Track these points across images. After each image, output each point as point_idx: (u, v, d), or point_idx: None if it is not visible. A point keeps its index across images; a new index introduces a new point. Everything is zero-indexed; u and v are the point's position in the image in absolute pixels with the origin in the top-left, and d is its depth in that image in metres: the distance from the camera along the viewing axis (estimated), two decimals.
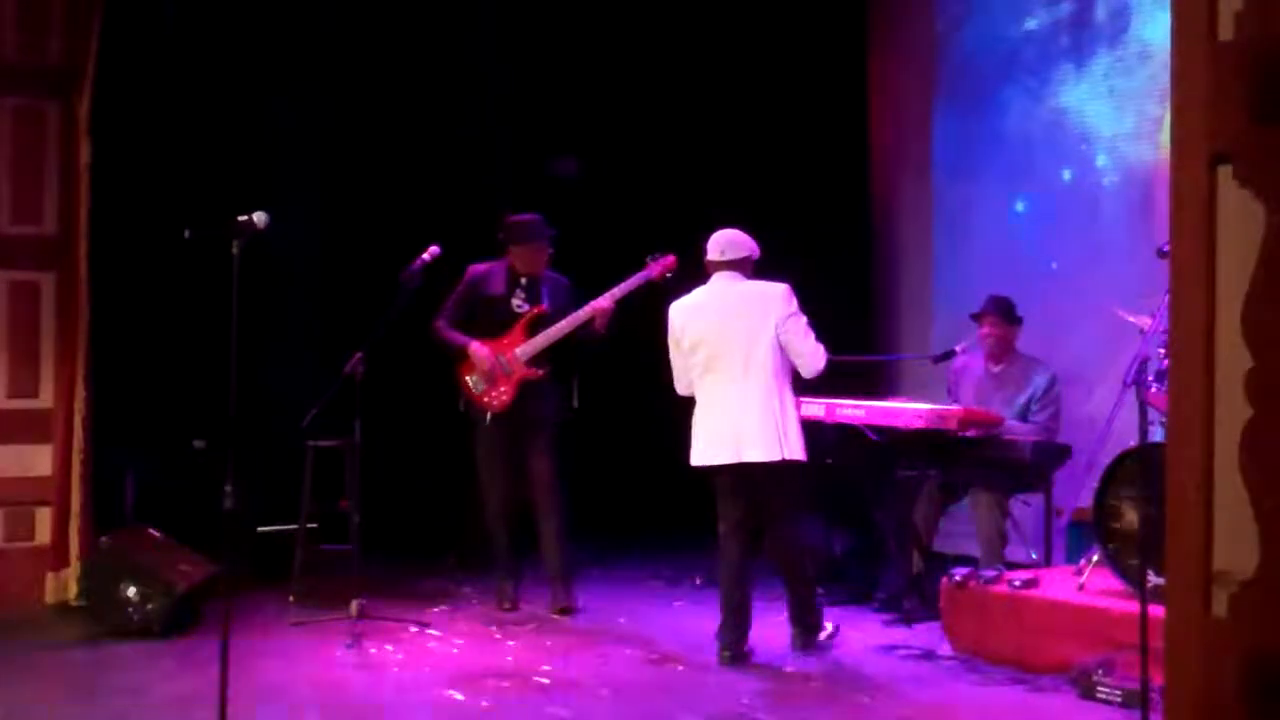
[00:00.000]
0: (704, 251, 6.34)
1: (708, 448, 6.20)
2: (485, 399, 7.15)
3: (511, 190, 9.32)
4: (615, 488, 8.95)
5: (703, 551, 8.70)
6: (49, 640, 6.48)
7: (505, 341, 7.13)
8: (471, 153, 9.46)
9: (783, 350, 6.13)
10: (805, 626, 6.41)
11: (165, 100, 8.06)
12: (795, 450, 6.10)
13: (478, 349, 7.12)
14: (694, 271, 7.00)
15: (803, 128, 9.24)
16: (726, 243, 6.31)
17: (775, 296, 6.17)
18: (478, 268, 7.31)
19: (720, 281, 6.29)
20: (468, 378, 7.18)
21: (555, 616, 7.06)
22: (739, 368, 6.13)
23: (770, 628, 6.84)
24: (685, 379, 6.34)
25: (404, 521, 8.47)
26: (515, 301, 7.23)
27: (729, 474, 6.21)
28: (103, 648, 6.33)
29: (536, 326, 7.13)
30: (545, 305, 7.17)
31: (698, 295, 6.33)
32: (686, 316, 6.29)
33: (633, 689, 5.75)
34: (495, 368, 7.10)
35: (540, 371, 7.13)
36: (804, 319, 6.16)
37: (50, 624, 6.82)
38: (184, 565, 6.78)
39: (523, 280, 7.24)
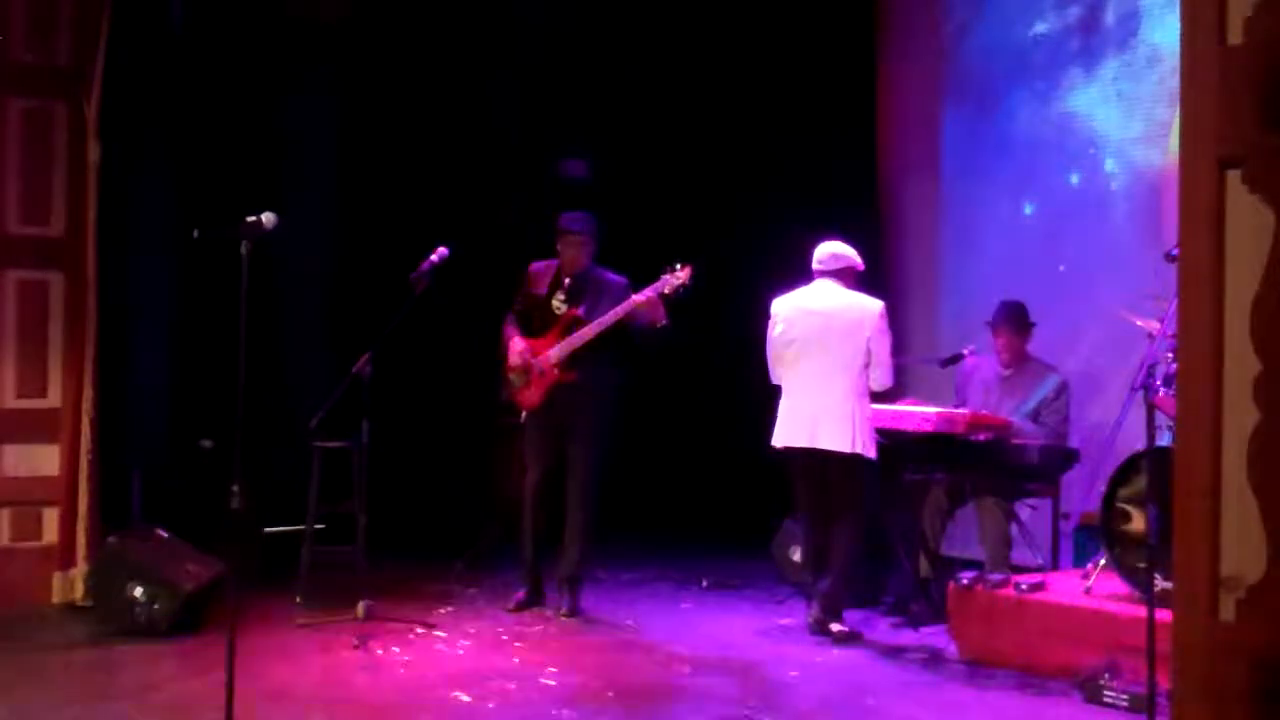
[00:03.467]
0: (809, 258, 6.90)
1: (787, 431, 6.78)
2: (518, 397, 7.20)
3: (522, 192, 9.34)
4: (621, 490, 8.95)
5: (709, 554, 8.74)
6: (55, 640, 6.48)
7: (542, 343, 7.13)
8: (481, 154, 9.47)
9: (866, 361, 6.65)
10: (827, 613, 6.70)
11: (173, 101, 8.07)
12: (867, 447, 6.63)
13: (513, 346, 7.17)
14: (705, 277, 7.04)
15: (812, 130, 9.23)
16: (829, 254, 6.88)
17: (872, 311, 6.74)
18: (535, 266, 7.34)
19: (822, 285, 6.85)
20: (509, 374, 7.22)
21: (560, 618, 7.06)
22: (828, 365, 6.69)
23: (774, 630, 6.85)
24: (778, 368, 6.89)
25: (411, 523, 8.48)
26: (555, 302, 7.22)
27: (804, 459, 6.74)
28: (109, 648, 6.34)
29: (572, 329, 7.09)
30: (580, 309, 7.11)
31: (801, 294, 6.89)
32: (787, 311, 6.87)
33: (638, 691, 5.74)
34: (528, 367, 7.12)
35: (572, 375, 7.07)
36: (890, 338, 6.78)
37: (56, 624, 6.82)
38: (190, 565, 6.78)
39: (566, 280, 7.21)
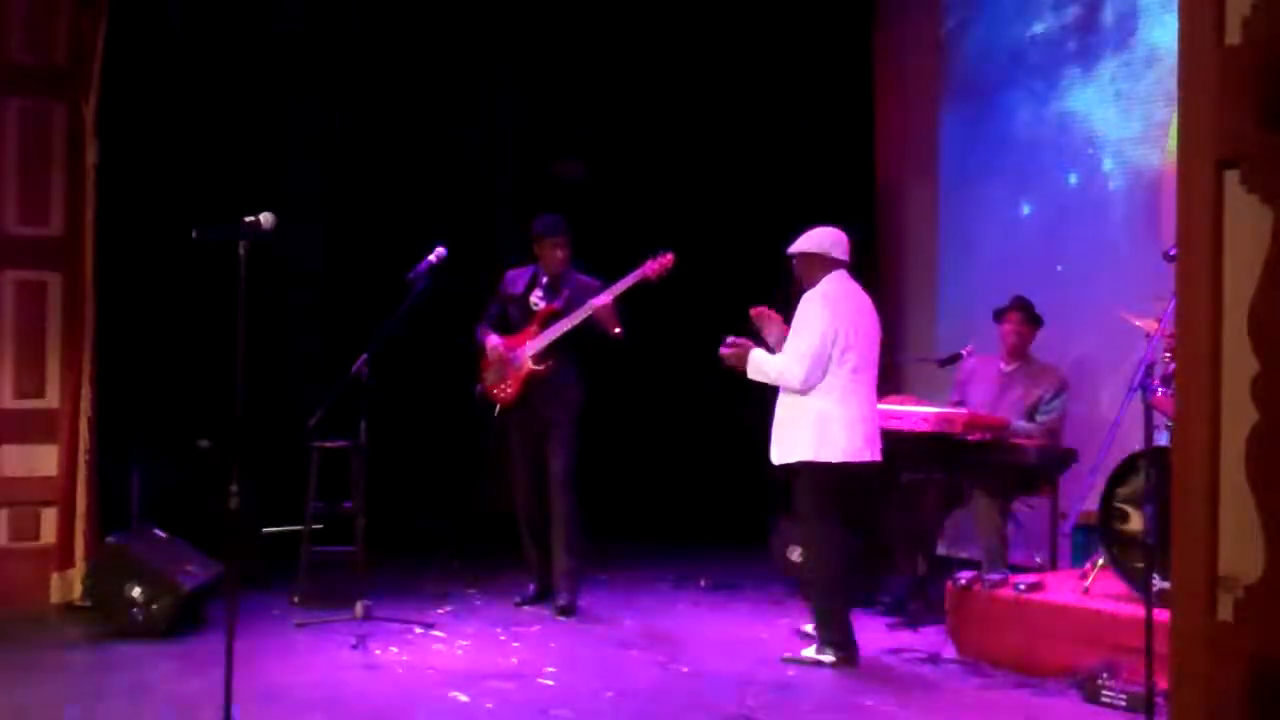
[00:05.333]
0: (826, 247, 6.26)
1: (861, 444, 6.15)
2: (494, 391, 7.27)
3: (517, 192, 9.33)
4: (620, 488, 8.95)
5: (708, 554, 8.74)
6: (53, 640, 6.48)
7: (519, 338, 7.23)
8: (478, 154, 9.46)
9: None
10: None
11: (172, 101, 8.07)
12: None
13: (490, 342, 7.28)
14: (689, 271, 7.05)
15: (810, 130, 9.24)
16: (846, 241, 6.34)
17: None
18: (511, 272, 7.48)
19: (850, 281, 6.34)
20: (485, 371, 7.31)
21: (558, 618, 7.06)
22: (874, 371, 6.30)
23: (772, 629, 6.85)
24: (821, 370, 6.11)
25: (409, 523, 8.48)
26: (533, 299, 7.35)
27: (859, 473, 6.19)
28: (107, 648, 6.33)
29: (548, 324, 7.21)
30: (558, 303, 7.23)
31: (844, 290, 6.28)
32: (844, 310, 6.21)
33: (637, 691, 5.74)
34: (504, 362, 7.21)
35: (544, 367, 7.16)
36: None
37: (55, 624, 6.82)
38: (189, 566, 6.79)
39: (544, 280, 7.34)
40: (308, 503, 7.28)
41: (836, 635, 6.20)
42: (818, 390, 6.12)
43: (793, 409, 6.19)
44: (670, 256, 7.02)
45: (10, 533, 7.20)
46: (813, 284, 6.26)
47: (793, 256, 6.33)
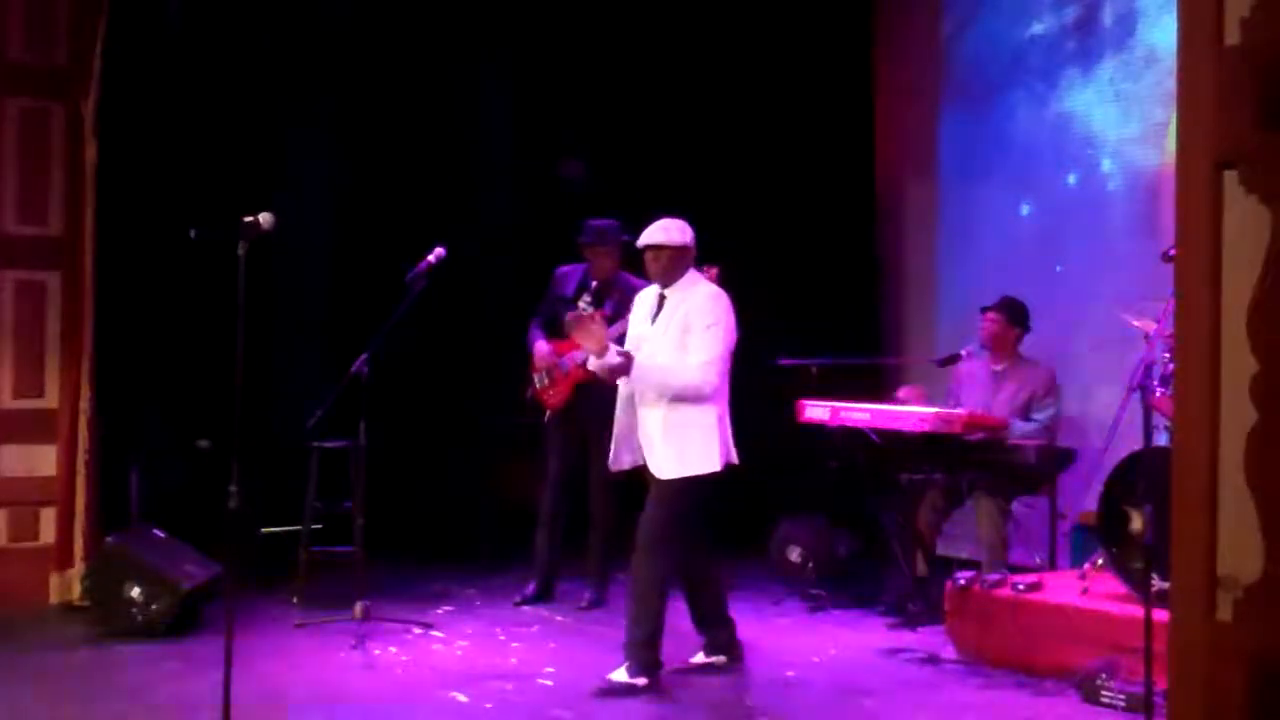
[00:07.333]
0: (692, 239, 6.02)
1: (732, 446, 5.92)
2: (543, 396, 7.40)
3: (518, 192, 9.33)
4: (620, 490, 8.94)
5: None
6: (53, 641, 6.48)
7: (568, 343, 7.21)
8: (478, 154, 9.46)
9: None
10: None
11: (171, 100, 8.06)
12: None
13: (539, 347, 7.38)
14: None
15: (809, 131, 9.24)
16: None
17: None
18: (560, 270, 7.52)
19: None
20: (534, 374, 7.40)
21: (561, 618, 7.07)
22: None
23: (772, 630, 6.85)
24: (726, 373, 5.87)
25: (408, 523, 8.47)
26: (581, 304, 7.31)
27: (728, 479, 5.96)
28: (106, 648, 6.33)
29: None
30: (607, 309, 7.18)
31: None
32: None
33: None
34: (553, 367, 7.31)
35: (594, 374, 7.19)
36: None
37: (54, 624, 6.82)
38: (188, 566, 6.79)
39: (593, 284, 7.37)
40: (307, 503, 7.28)
41: (649, 657, 5.79)
42: (718, 394, 5.81)
43: (687, 415, 5.74)
44: (715, 270, 6.89)
45: (9, 533, 7.20)
46: (676, 279, 5.95)
47: (658, 248, 5.94)
